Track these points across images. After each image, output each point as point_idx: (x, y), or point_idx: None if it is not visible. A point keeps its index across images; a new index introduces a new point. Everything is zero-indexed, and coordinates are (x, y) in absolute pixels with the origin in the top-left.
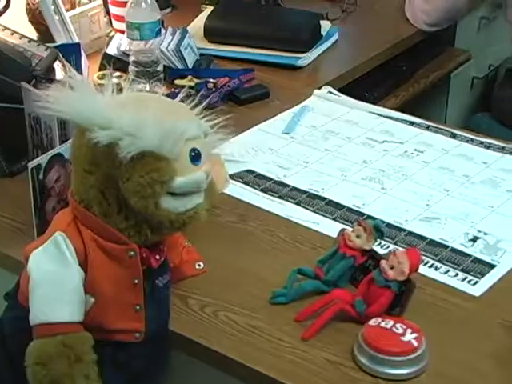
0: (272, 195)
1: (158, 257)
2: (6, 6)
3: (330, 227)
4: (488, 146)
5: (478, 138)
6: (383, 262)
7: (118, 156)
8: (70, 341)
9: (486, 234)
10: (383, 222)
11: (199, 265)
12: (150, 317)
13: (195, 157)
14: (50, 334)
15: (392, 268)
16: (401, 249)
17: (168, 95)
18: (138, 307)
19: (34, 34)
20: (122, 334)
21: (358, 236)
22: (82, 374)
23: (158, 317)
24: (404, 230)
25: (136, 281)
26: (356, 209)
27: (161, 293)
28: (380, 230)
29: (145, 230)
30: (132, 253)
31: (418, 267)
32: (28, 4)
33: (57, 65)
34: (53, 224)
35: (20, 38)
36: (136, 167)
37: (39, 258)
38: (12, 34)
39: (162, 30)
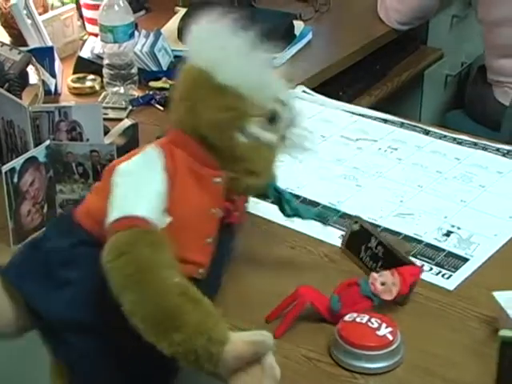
0: None
1: (238, 214)
2: None
3: (306, 225)
4: (460, 142)
5: (450, 135)
6: (375, 276)
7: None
8: (150, 229)
9: (459, 228)
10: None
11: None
12: (218, 274)
13: (274, 119)
14: (130, 226)
15: (382, 284)
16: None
17: (143, 98)
18: (209, 240)
19: (6, 38)
20: (188, 266)
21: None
22: (166, 261)
23: (217, 281)
24: (379, 226)
25: (214, 210)
26: (331, 206)
27: (230, 258)
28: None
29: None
30: (218, 179)
31: (408, 292)
32: (0, 8)
33: (30, 69)
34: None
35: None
36: (211, 97)
37: (128, 167)
38: None
39: (136, 33)
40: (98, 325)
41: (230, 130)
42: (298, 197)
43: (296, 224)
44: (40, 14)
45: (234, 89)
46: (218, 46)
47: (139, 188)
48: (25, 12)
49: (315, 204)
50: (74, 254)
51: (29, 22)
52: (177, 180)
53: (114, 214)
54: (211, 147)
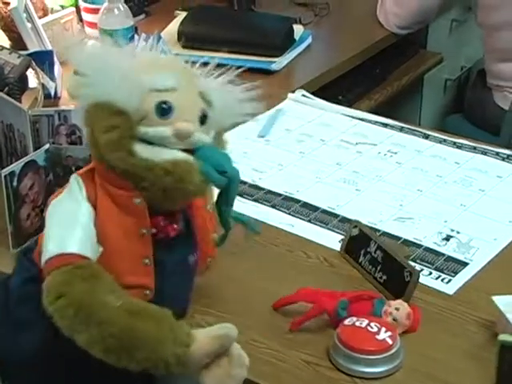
0: (247, 198)
1: (175, 226)
2: None
3: (305, 229)
4: (460, 147)
5: (450, 139)
6: (389, 309)
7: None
8: (82, 264)
9: (458, 232)
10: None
11: (209, 261)
12: (171, 292)
13: (162, 110)
14: (63, 265)
15: (394, 320)
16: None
17: None
18: (146, 261)
19: (6, 42)
20: (132, 290)
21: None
22: (105, 289)
23: (181, 294)
24: (378, 231)
25: (144, 231)
26: (331, 210)
27: (190, 271)
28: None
29: (155, 194)
30: (138, 200)
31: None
32: (0, 12)
33: (30, 72)
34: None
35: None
36: (98, 121)
37: (55, 203)
38: None
39: (136, 36)
40: (61, 359)
41: (121, 150)
42: (297, 201)
43: (296, 228)
44: (40, 18)
45: (112, 106)
46: (90, 69)
47: (68, 224)
48: (25, 15)
49: (314, 208)
50: (27, 291)
51: (29, 25)
52: (99, 208)
53: (46, 252)
54: (116, 169)
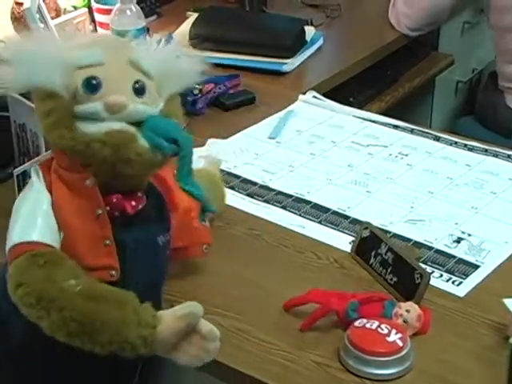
0: (258, 199)
1: (133, 203)
2: None
3: (316, 230)
4: (471, 149)
5: (461, 141)
6: (400, 311)
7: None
8: (40, 251)
9: (469, 235)
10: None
11: (206, 248)
12: (138, 271)
13: (90, 86)
14: (22, 253)
15: (405, 322)
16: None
17: None
18: (107, 241)
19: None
20: (97, 272)
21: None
22: (63, 274)
23: (150, 275)
24: (389, 233)
25: (99, 211)
26: (341, 212)
27: (159, 252)
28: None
29: (104, 171)
30: (88, 181)
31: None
32: (13, 12)
33: None
34: None
35: None
36: (36, 108)
37: (20, 196)
38: None
39: (148, 37)
40: (44, 348)
41: (61, 129)
42: (308, 202)
43: (306, 229)
44: (52, 18)
45: (41, 90)
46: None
47: (29, 214)
48: (38, 16)
49: (325, 209)
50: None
51: (41, 25)
52: (54, 193)
53: (9, 242)
54: (59, 147)
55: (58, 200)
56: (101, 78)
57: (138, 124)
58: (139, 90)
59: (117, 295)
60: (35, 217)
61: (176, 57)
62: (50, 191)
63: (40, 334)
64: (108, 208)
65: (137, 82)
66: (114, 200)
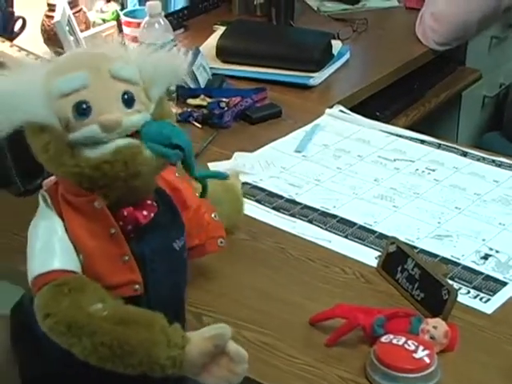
0: (284, 213)
1: (145, 213)
2: (22, 27)
3: (342, 245)
4: (499, 165)
5: (488, 157)
6: (427, 327)
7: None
8: (62, 279)
9: (497, 251)
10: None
11: (221, 242)
12: (160, 280)
13: (81, 111)
14: (44, 284)
15: (432, 338)
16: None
17: (181, 115)
18: (126, 257)
19: (48, 55)
20: (121, 289)
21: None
22: (89, 300)
23: (172, 282)
24: (416, 248)
25: (113, 230)
26: (368, 226)
27: (178, 257)
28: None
29: (117, 189)
30: (96, 203)
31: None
32: (43, 25)
33: None
34: None
35: (36, 59)
36: (31, 144)
37: (32, 222)
38: (27, 55)
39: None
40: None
41: (63, 162)
42: (334, 216)
43: (332, 243)
44: (82, 31)
45: (32, 125)
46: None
47: (45, 241)
48: (67, 29)
49: (351, 224)
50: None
51: (71, 38)
52: (65, 218)
53: (30, 273)
54: (69, 179)
55: (69, 224)
56: (89, 101)
57: (135, 133)
58: (129, 101)
59: (144, 316)
60: (52, 244)
61: (158, 56)
62: (61, 216)
63: (75, 357)
64: (121, 223)
65: (124, 93)
66: (125, 214)
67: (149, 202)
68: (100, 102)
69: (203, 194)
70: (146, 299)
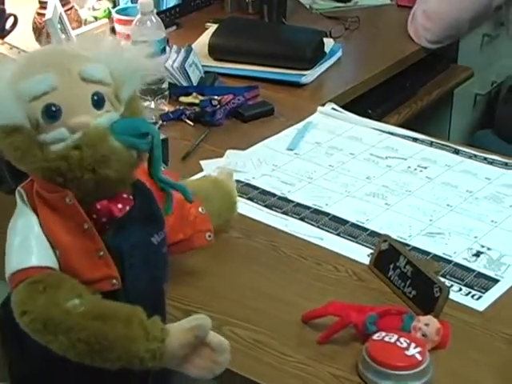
0: (276, 211)
1: (120, 206)
2: (14, 25)
3: (334, 242)
4: (491, 162)
5: (480, 154)
6: (419, 325)
7: None
8: (38, 277)
9: (489, 249)
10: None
11: (209, 235)
12: (138, 274)
13: (50, 114)
14: (20, 281)
15: (423, 335)
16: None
17: (173, 113)
18: (101, 253)
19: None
20: (99, 284)
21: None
22: (65, 296)
23: (151, 276)
24: (408, 246)
25: (86, 226)
26: (360, 224)
27: (156, 251)
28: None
29: (86, 181)
30: (67, 199)
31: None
32: (35, 23)
33: None
34: None
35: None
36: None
37: (11, 220)
38: (19, 53)
39: (167, 48)
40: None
41: (31, 158)
42: (326, 214)
43: (325, 241)
44: (73, 29)
45: (5, 127)
46: None
47: (21, 238)
48: (59, 26)
49: (344, 221)
50: None
51: (63, 36)
52: (39, 214)
53: (7, 269)
54: (38, 174)
55: (44, 220)
56: (59, 104)
57: None
58: (99, 103)
59: (122, 311)
60: (29, 241)
61: (130, 55)
62: (37, 212)
63: (54, 353)
64: (95, 216)
65: (94, 94)
66: (99, 207)
67: (125, 195)
68: (69, 105)
69: (167, 204)
70: (125, 293)
